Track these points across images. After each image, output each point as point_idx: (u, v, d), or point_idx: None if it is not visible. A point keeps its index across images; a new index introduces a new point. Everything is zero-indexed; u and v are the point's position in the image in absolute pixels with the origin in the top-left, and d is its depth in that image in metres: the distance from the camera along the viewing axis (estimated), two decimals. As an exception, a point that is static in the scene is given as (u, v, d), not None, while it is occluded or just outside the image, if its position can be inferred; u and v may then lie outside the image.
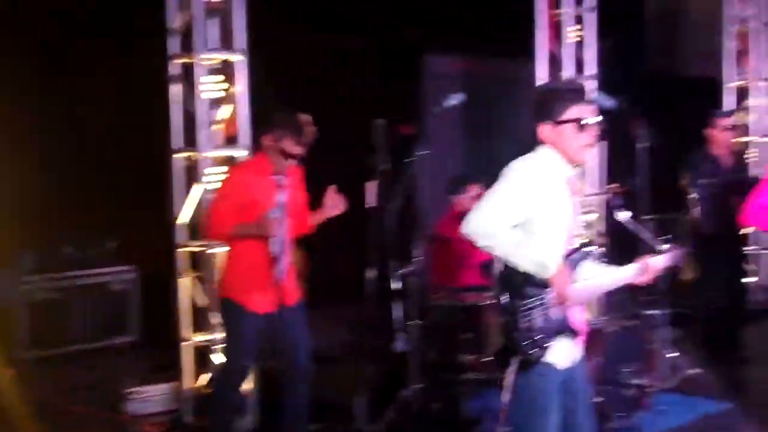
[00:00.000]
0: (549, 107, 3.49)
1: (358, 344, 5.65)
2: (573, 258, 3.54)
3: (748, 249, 9.47)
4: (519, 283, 3.47)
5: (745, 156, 9.42)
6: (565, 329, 3.50)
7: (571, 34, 7.50)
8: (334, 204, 4.90)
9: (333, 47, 9.22)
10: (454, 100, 5.54)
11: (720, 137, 6.94)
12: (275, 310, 4.90)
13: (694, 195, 6.84)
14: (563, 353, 3.52)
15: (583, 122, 3.46)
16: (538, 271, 3.42)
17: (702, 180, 6.84)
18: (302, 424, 5.05)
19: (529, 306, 3.46)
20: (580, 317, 3.61)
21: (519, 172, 3.47)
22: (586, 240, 3.70)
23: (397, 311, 5.50)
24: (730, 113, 7.21)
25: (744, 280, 7.58)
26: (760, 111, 9.73)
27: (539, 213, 3.44)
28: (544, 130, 3.49)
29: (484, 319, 5.57)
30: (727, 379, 6.38)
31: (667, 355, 6.38)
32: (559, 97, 3.52)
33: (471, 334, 5.56)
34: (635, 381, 5.39)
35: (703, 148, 7.00)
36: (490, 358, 5.48)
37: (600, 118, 3.51)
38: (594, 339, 5.12)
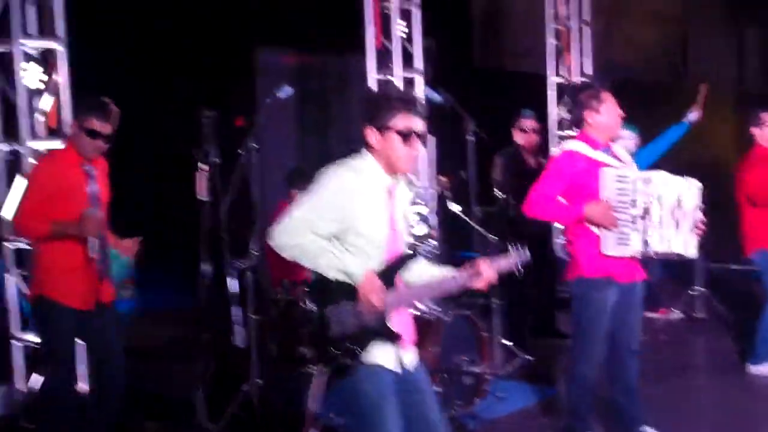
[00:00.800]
0: (376, 112, 3.49)
1: (195, 340, 5.55)
2: (396, 263, 3.55)
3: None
4: (331, 290, 3.46)
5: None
6: (382, 334, 3.48)
7: (399, 28, 7.63)
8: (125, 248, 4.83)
9: (163, 38, 9.01)
10: (282, 93, 5.53)
11: (522, 136, 7.25)
12: (93, 308, 4.78)
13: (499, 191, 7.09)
14: (387, 356, 3.51)
15: (407, 133, 3.47)
16: (347, 280, 3.42)
17: (505, 177, 7.12)
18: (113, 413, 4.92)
19: (340, 313, 3.45)
20: (405, 322, 3.64)
21: (332, 178, 3.46)
22: (422, 235, 3.73)
23: (235, 306, 5.45)
24: (531, 115, 7.47)
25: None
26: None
27: (352, 222, 3.43)
28: (370, 134, 3.49)
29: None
30: (557, 366, 6.67)
31: (502, 343, 6.60)
32: (387, 103, 3.51)
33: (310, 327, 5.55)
34: (472, 369, 5.53)
35: (511, 145, 7.30)
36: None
37: (424, 130, 3.55)
38: (430, 328, 5.26)
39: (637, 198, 4.65)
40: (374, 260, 3.48)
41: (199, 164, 5.23)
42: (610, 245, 4.71)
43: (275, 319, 5.69)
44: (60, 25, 5.77)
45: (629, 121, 8.64)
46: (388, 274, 3.51)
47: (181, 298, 7.32)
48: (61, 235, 4.67)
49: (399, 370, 3.54)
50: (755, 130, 6.56)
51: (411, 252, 3.64)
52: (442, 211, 6.85)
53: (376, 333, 3.48)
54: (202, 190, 5.23)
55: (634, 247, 4.68)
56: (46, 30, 5.81)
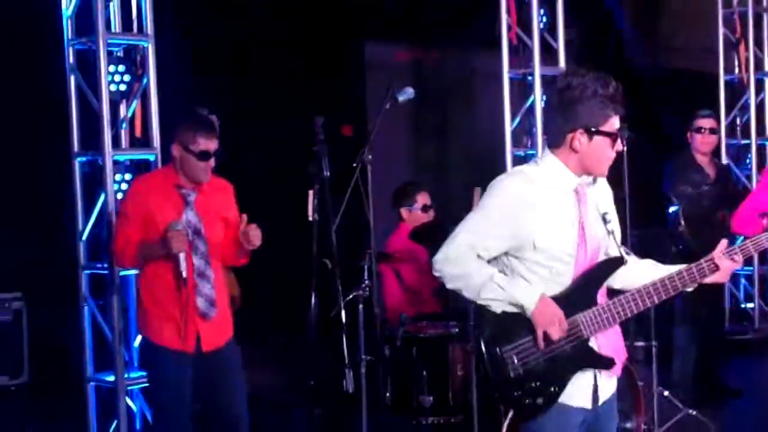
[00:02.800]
0: (586, 111, 3.41)
1: (301, 384, 5.64)
2: (593, 276, 3.52)
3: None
4: (501, 324, 3.48)
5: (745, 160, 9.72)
6: (586, 363, 3.49)
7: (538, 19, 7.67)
8: (246, 238, 4.87)
9: (258, 31, 9.20)
10: (403, 95, 5.58)
11: (700, 139, 7.16)
12: (203, 348, 4.89)
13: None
14: (582, 391, 3.51)
15: (618, 135, 3.47)
16: (518, 311, 3.44)
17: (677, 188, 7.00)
18: None
19: (519, 349, 3.46)
20: (612, 342, 3.58)
21: (501, 189, 3.48)
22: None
23: (346, 345, 5.52)
24: (709, 114, 7.40)
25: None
26: (758, 109, 10.01)
27: (529, 235, 3.43)
28: (576, 137, 3.43)
29: (448, 353, 5.62)
30: (722, 421, 6.54)
31: (659, 394, 6.50)
32: (601, 102, 3.43)
33: (432, 371, 5.59)
34: (624, 425, 5.47)
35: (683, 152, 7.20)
36: (453, 399, 5.54)
37: None
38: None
39: None
40: (564, 277, 3.49)
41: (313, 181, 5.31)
42: None
43: (391, 360, 5.74)
44: (147, 20, 5.96)
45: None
46: (584, 290, 3.51)
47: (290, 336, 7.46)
48: (149, 257, 4.81)
49: (591, 405, 3.53)
50: None
51: (615, 257, 3.57)
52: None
53: (576, 363, 3.48)
54: (312, 210, 5.32)
55: None
56: (128, 27, 6.02)
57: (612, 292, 3.63)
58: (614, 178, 6.46)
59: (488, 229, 3.44)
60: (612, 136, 3.44)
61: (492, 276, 3.44)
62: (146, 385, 5.59)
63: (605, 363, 3.51)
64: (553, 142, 3.51)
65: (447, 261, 3.48)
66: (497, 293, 3.43)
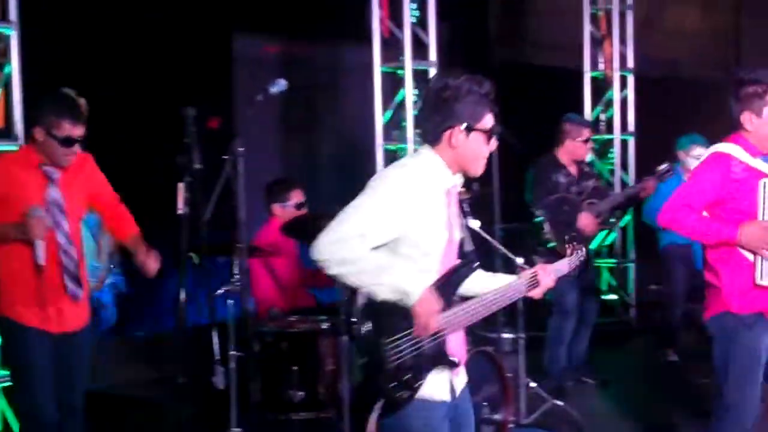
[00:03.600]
0: (464, 109, 3.52)
1: (171, 380, 5.55)
2: (453, 277, 3.59)
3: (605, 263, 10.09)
4: (385, 314, 3.48)
5: (607, 155, 9.97)
6: (440, 361, 3.55)
7: (409, 14, 7.71)
8: (145, 268, 4.88)
9: (127, 22, 9.02)
10: (276, 87, 5.54)
11: (572, 148, 7.33)
12: (62, 328, 4.81)
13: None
14: (442, 386, 3.58)
15: (493, 132, 3.57)
16: (399, 300, 3.43)
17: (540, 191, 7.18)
18: None
19: (398, 341, 3.47)
20: (459, 343, 3.68)
21: (389, 181, 3.51)
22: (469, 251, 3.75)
23: (216, 340, 5.45)
24: (586, 123, 7.59)
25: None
26: (622, 104, 10.27)
27: (407, 231, 3.47)
28: (454, 133, 3.51)
29: (318, 348, 5.60)
30: (587, 411, 6.70)
31: (525, 385, 6.61)
32: (478, 100, 3.54)
33: (302, 366, 5.56)
34: (492, 416, 5.54)
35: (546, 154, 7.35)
36: (323, 395, 5.52)
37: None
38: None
39: None
40: (430, 274, 3.53)
41: (183, 173, 5.22)
42: (766, 275, 4.52)
43: (260, 356, 5.69)
44: (11, 7, 5.80)
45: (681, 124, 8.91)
46: (447, 290, 3.56)
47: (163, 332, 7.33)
48: (5, 240, 4.67)
49: (449, 399, 3.61)
50: None
51: (469, 262, 3.65)
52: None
53: (434, 360, 3.53)
54: (182, 203, 5.22)
55: None
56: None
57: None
58: (483, 173, 6.61)
59: (377, 218, 3.43)
60: (487, 133, 3.55)
61: (382, 261, 3.45)
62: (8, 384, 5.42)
63: (452, 364, 3.58)
64: (431, 139, 3.58)
65: (333, 244, 3.41)
66: (387, 279, 3.43)
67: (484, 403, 5.56)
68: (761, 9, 12.60)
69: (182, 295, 5.28)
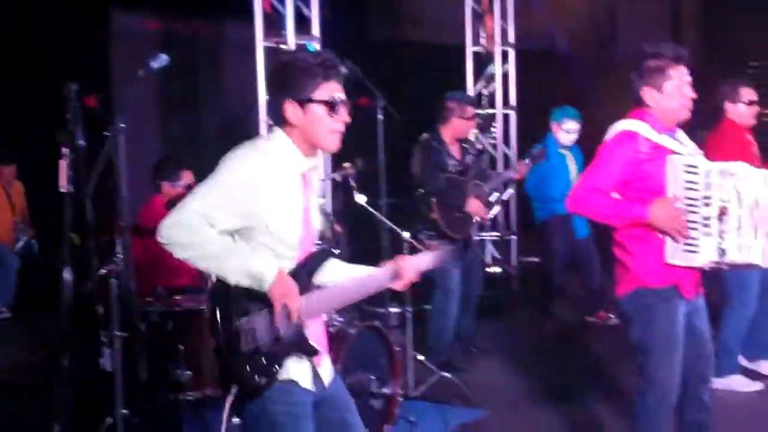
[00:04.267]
0: (294, 82, 3.40)
1: (54, 363, 5.44)
2: (309, 264, 3.52)
3: (489, 236, 10.23)
4: (236, 297, 3.40)
5: (490, 130, 10.11)
6: (300, 348, 3.45)
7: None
8: None
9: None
10: (157, 62, 5.45)
11: (456, 125, 7.37)
12: None
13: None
14: (303, 372, 3.49)
15: (334, 103, 3.42)
16: (253, 284, 3.34)
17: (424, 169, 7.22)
18: None
19: (252, 325, 3.40)
20: (318, 332, 3.61)
21: (237, 163, 3.38)
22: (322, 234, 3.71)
23: (101, 322, 5.35)
24: (469, 99, 7.67)
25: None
26: (504, 79, 10.43)
27: (259, 217, 3.36)
28: (289, 108, 3.41)
29: (202, 327, 5.55)
30: (474, 382, 6.81)
31: (413, 359, 6.68)
32: (308, 71, 3.41)
33: (188, 345, 5.51)
34: (381, 390, 5.57)
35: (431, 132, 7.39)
36: (209, 373, 5.48)
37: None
38: (332, 343, 5.27)
39: (711, 194, 4.35)
40: (286, 261, 3.43)
41: (63, 149, 5.07)
42: (677, 253, 4.43)
43: (146, 336, 5.62)
44: None
45: (559, 99, 9.09)
46: (303, 277, 3.46)
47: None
48: None
49: (314, 388, 3.52)
50: (729, 105, 6.72)
51: (325, 249, 3.63)
52: (346, 204, 6.90)
53: (293, 346, 3.43)
54: (63, 180, 5.08)
55: (705, 256, 4.39)
56: None
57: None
58: (369, 148, 6.64)
59: (223, 203, 3.32)
60: (328, 104, 3.42)
61: (229, 244, 3.35)
62: None
63: (311, 351, 3.47)
64: (276, 120, 3.49)
65: (173, 227, 3.30)
66: (235, 263, 3.33)
67: (372, 378, 5.59)
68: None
69: (66, 275, 5.16)
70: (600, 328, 8.56)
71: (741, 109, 6.68)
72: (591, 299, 8.80)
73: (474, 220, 7.43)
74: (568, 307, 8.90)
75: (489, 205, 7.73)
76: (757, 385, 6.77)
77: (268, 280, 3.33)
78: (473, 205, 7.19)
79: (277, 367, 3.40)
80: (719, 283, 6.43)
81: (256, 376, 3.39)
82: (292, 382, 3.45)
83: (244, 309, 3.41)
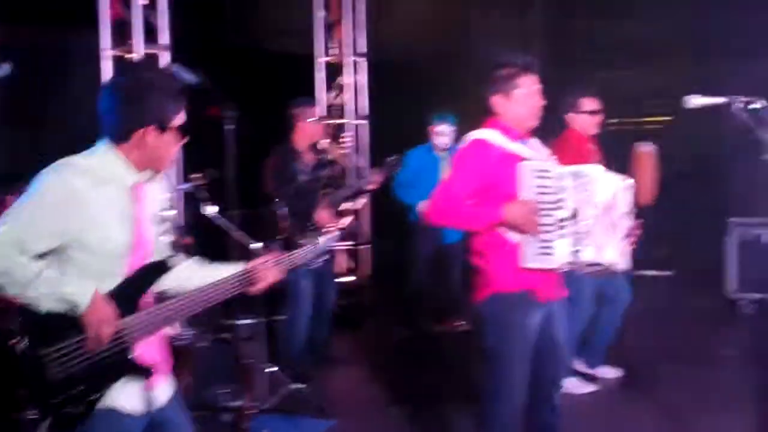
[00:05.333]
0: (158, 107, 3.31)
1: None
2: (138, 280, 3.39)
3: (342, 246, 10.27)
4: (50, 325, 3.22)
5: (341, 140, 10.14)
6: (125, 371, 3.34)
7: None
8: None
9: None
10: (1, 71, 5.32)
11: (305, 130, 7.37)
12: None
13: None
14: (130, 396, 3.37)
15: (181, 128, 3.39)
16: (67, 310, 3.21)
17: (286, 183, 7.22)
18: None
19: (63, 352, 3.23)
20: (155, 349, 3.51)
21: (50, 182, 3.23)
22: (169, 244, 3.61)
23: None
24: (312, 103, 7.69)
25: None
26: (355, 89, 10.46)
27: (76, 235, 3.23)
28: (147, 133, 3.31)
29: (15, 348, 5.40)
30: (328, 393, 6.83)
31: (265, 371, 6.66)
32: (171, 96, 3.35)
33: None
34: (232, 403, 5.54)
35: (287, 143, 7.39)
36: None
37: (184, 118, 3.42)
38: (180, 357, 5.22)
39: (564, 197, 4.52)
40: (109, 279, 3.31)
41: None
42: (531, 256, 4.52)
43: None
44: None
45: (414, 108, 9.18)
46: (131, 293, 3.35)
47: None
48: None
49: (145, 412, 3.40)
50: (572, 116, 6.91)
51: (159, 262, 3.47)
52: (195, 215, 6.83)
53: (116, 371, 3.31)
54: None
55: (560, 258, 4.52)
56: None
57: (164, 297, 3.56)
58: (219, 158, 6.58)
59: (36, 225, 3.18)
60: (179, 132, 3.39)
61: (40, 271, 3.19)
62: None
63: (142, 372, 3.37)
64: (116, 135, 3.35)
65: None
66: (46, 289, 3.19)
67: (222, 391, 5.55)
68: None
69: None
70: (455, 335, 8.67)
71: (583, 119, 6.90)
72: (447, 306, 8.90)
73: (325, 230, 7.43)
74: (423, 315, 8.98)
75: (340, 215, 7.75)
76: (591, 387, 7.02)
77: (82, 306, 3.21)
78: (322, 216, 7.22)
79: (95, 394, 3.28)
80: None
81: (69, 405, 3.24)
82: (115, 410, 3.33)
83: (53, 335, 3.23)
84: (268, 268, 3.60)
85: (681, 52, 12.31)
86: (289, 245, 7.12)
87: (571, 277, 6.48)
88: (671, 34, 12.19)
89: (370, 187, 7.75)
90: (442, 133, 8.61)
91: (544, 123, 4.80)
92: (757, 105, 4.44)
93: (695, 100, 4.63)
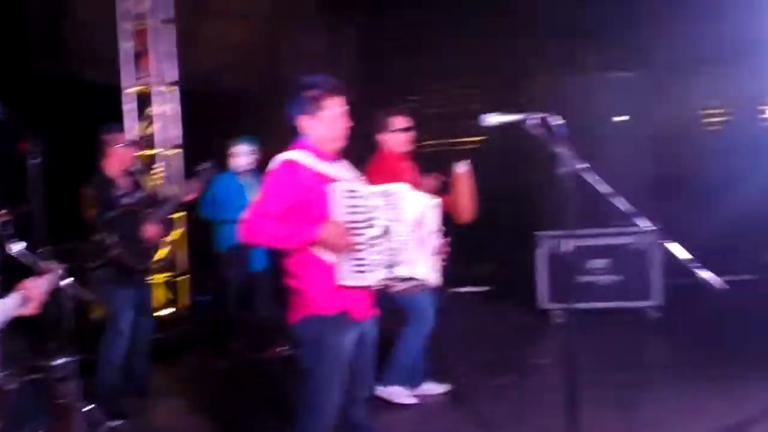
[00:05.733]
0: None
1: None
2: None
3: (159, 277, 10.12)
4: None
5: (152, 171, 10.00)
6: None
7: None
8: None
9: None
10: None
11: (117, 156, 7.27)
12: None
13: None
14: None
15: None
16: None
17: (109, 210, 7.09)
18: None
19: None
20: None
21: None
22: None
23: None
24: (121, 129, 7.58)
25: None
26: (165, 119, 10.32)
27: None
28: None
29: None
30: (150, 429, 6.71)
31: (81, 410, 6.48)
32: None
33: None
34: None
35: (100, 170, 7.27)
36: None
37: None
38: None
39: (375, 216, 4.60)
40: None
41: None
42: (347, 274, 4.61)
43: None
44: None
45: (223, 134, 9.13)
46: None
47: None
48: None
49: None
50: (383, 136, 7.01)
51: None
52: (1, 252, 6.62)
53: None
54: None
55: (375, 275, 4.61)
56: None
57: None
58: (22, 191, 6.39)
59: None
60: None
61: None
62: None
63: None
64: None
65: None
66: None
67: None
68: (294, 21, 13.22)
69: None
70: (276, 361, 8.64)
71: (395, 138, 6.99)
72: (265, 333, 8.86)
73: (155, 246, 7.35)
74: (243, 343, 8.92)
75: (167, 227, 7.67)
76: (414, 399, 7.15)
77: None
78: (151, 231, 7.14)
79: None
80: (394, 304, 6.69)
81: None
82: None
83: None
84: (36, 289, 3.59)
85: (491, 71, 12.71)
86: (123, 270, 7.02)
87: (406, 298, 6.67)
88: (482, 56, 12.59)
89: (189, 197, 7.67)
90: (238, 153, 8.58)
91: (357, 143, 4.88)
92: (552, 121, 4.63)
93: (491, 119, 4.81)
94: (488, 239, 12.15)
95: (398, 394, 7.09)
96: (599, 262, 9.79)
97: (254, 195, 8.35)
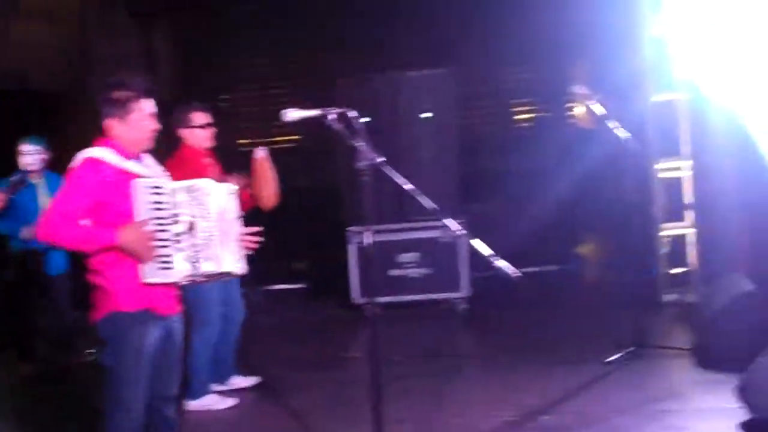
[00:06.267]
0: None
1: None
2: None
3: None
4: None
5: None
6: None
7: None
8: None
9: None
10: None
11: None
12: None
13: None
14: None
15: None
16: None
17: None
18: None
19: None
20: None
21: None
22: None
23: None
24: None
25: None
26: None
27: None
28: None
29: None
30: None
31: None
32: None
33: None
34: None
35: None
36: None
37: None
38: None
39: (179, 212, 4.57)
40: None
41: None
42: (152, 271, 4.58)
43: None
44: None
45: (31, 132, 8.90)
46: None
47: None
48: None
49: None
50: (185, 132, 7.00)
51: None
52: None
53: None
54: None
55: (179, 271, 4.59)
56: None
57: None
58: None
59: None
60: None
61: None
62: None
63: None
64: None
65: None
66: None
67: None
68: (106, 22, 13.00)
69: None
70: (83, 366, 8.46)
71: (196, 133, 7.03)
72: (67, 338, 8.66)
73: None
74: (48, 348, 8.70)
75: None
76: (231, 401, 7.10)
77: None
78: None
79: None
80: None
81: None
82: None
83: None
84: None
85: (304, 72, 12.81)
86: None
87: (197, 297, 6.64)
88: (298, 56, 12.71)
89: None
90: (25, 153, 8.37)
91: (168, 141, 4.86)
92: (351, 115, 4.75)
93: (291, 114, 4.89)
94: (304, 236, 12.27)
95: (215, 402, 7.04)
96: (409, 256, 9.99)
97: (43, 195, 8.33)
